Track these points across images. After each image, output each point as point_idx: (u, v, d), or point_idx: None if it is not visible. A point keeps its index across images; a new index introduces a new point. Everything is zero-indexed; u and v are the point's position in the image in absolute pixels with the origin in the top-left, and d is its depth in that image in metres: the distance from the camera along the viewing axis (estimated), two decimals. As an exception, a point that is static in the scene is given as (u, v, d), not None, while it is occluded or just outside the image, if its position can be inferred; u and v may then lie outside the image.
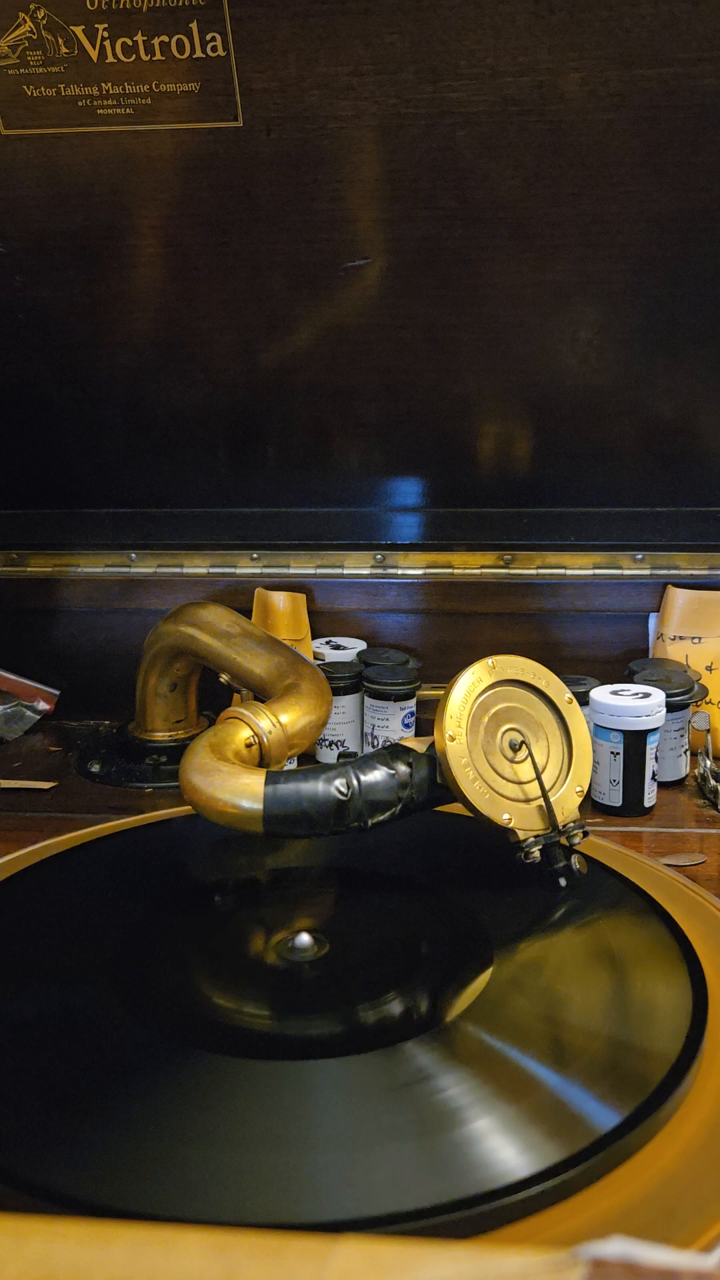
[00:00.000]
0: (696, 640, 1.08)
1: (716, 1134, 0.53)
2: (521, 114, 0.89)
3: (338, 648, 1.12)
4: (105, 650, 1.21)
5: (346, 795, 0.72)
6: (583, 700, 0.93)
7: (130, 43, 0.87)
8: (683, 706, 0.97)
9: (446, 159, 0.92)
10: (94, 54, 0.88)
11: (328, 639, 1.15)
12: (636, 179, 0.92)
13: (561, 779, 0.76)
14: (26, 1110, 0.55)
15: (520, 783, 0.74)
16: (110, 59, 0.88)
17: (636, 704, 0.91)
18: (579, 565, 1.14)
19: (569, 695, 0.77)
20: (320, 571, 1.17)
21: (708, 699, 1.06)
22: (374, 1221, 0.47)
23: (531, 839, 0.73)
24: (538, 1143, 0.51)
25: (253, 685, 0.91)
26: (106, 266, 1.03)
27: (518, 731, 0.75)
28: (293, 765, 0.90)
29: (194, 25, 0.86)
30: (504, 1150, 0.51)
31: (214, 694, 1.04)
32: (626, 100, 0.87)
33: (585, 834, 0.75)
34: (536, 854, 0.73)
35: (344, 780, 0.72)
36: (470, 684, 0.74)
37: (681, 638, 1.08)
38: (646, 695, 0.93)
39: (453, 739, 0.72)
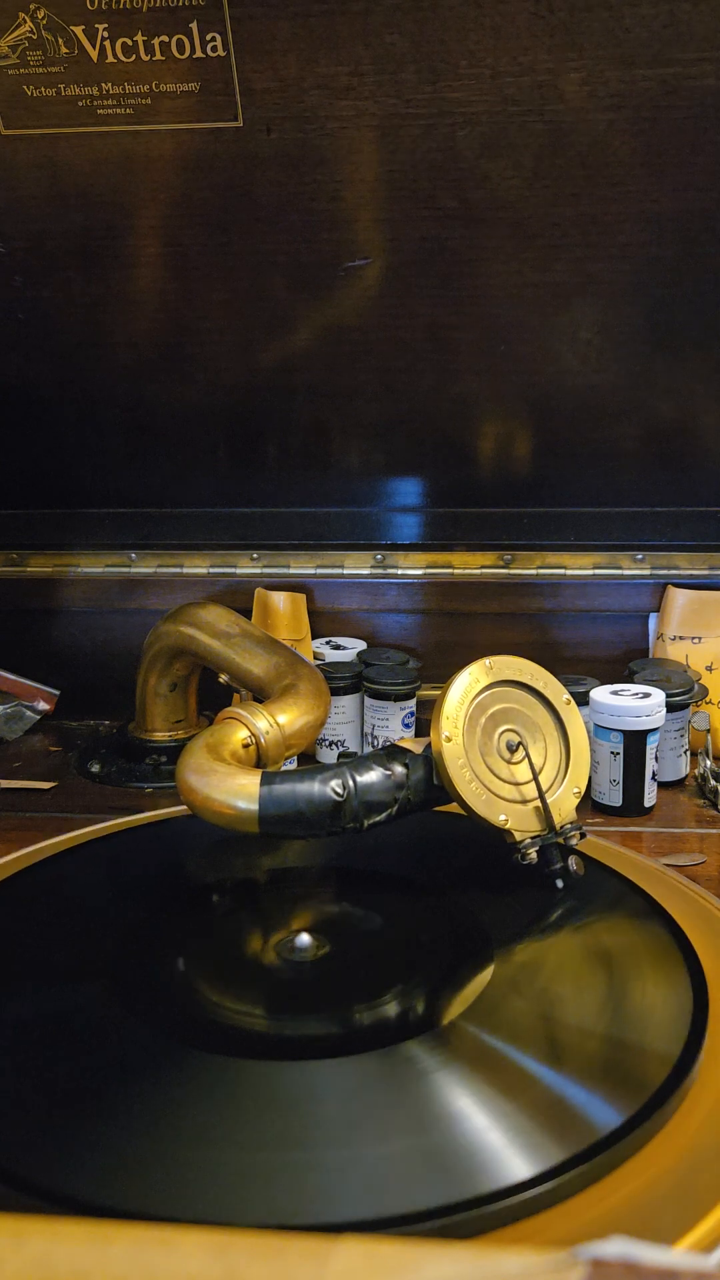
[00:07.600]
0: (696, 640, 1.08)
1: (717, 1134, 0.53)
2: (521, 114, 0.89)
3: (338, 648, 1.12)
4: (105, 650, 1.21)
5: (342, 796, 0.72)
6: (583, 700, 0.93)
7: (130, 43, 0.87)
8: (683, 706, 0.98)
9: (446, 159, 0.92)
10: (94, 54, 0.88)
11: (328, 639, 1.14)
12: (636, 179, 0.92)
13: (559, 780, 0.76)
14: (26, 1110, 0.55)
15: (517, 784, 0.74)
16: (110, 59, 0.88)
17: (636, 704, 0.91)
18: (579, 565, 1.14)
19: (566, 696, 0.77)
20: (320, 571, 1.17)
21: (708, 699, 1.06)
22: (374, 1222, 0.47)
23: (528, 840, 0.73)
24: (538, 1143, 0.51)
25: (251, 685, 0.91)
26: (106, 266, 1.03)
27: (515, 732, 0.75)
28: (292, 765, 0.90)
29: (194, 25, 0.86)
30: (504, 1151, 0.51)
31: (214, 694, 1.04)
32: (626, 100, 0.87)
33: (583, 835, 0.75)
34: (533, 855, 0.73)
35: (339, 781, 0.72)
36: (467, 685, 0.74)
37: (681, 638, 1.08)
38: (646, 695, 0.93)
39: (449, 739, 0.72)
